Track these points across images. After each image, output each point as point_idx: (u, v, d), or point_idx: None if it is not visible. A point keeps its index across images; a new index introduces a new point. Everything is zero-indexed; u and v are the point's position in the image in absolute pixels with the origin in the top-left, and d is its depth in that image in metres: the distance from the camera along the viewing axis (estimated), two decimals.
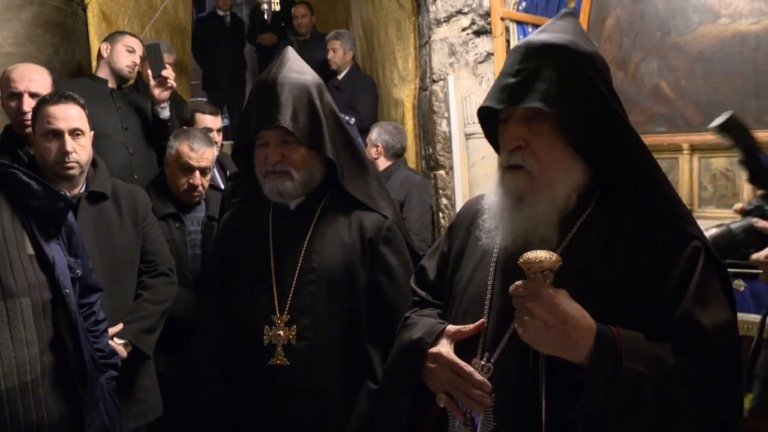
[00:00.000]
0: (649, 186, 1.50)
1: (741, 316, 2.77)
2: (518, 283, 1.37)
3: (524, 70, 1.49)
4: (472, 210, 1.76)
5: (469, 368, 1.53)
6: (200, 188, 3.21)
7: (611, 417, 1.30)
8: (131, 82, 4.30)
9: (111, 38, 3.99)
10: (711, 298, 1.40)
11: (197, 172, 3.17)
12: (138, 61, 3.97)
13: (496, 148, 1.68)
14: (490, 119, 1.65)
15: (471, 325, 1.57)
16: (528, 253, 1.35)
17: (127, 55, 3.92)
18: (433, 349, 1.61)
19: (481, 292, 1.60)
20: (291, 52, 2.21)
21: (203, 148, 3.19)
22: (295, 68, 2.15)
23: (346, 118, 4.86)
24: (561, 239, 1.50)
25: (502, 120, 1.57)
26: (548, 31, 1.55)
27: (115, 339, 2.59)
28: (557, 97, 1.44)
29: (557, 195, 1.49)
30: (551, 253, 1.34)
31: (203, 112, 4.01)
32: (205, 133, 3.43)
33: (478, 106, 1.66)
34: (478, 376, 1.51)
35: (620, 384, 1.29)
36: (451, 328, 1.62)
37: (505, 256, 1.57)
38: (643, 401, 1.30)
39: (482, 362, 1.53)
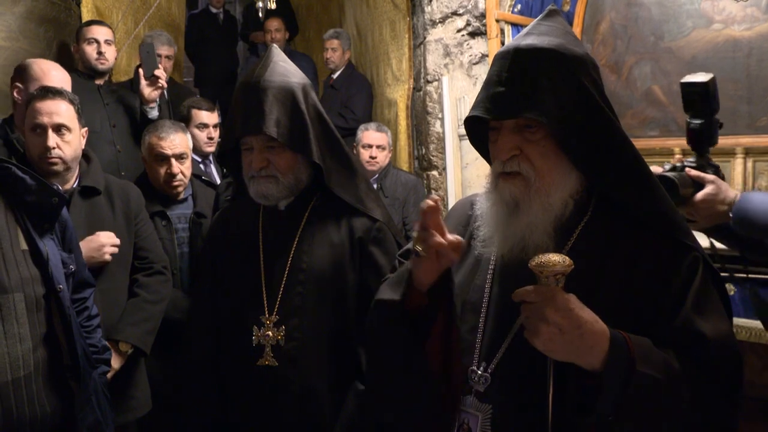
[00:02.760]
0: (643, 197, 1.48)
1: (734, 320, 2.80)
2: (529, 288, 1.31)
3: (514, 77, 1.44)
4: (463, 211, 1.72)
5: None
6: (180, 176, 3.15)
7: (624, 422, 1.29)
8: (117, 76, 4.28)
9: (77, 36, 3.98)
10: (710, 307, 1.40)
11: (173, 160, 3.12)
12: (104, 49, 3.90)
13: (482, 153, 1.65)
14: (476, 126, 1.61)
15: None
16: (539, 256, 1.31)
17: (92, 48, 3.89)
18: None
19: (478, 300, 1.57)
20: (276, 51, 2.17)
21: (172, 135, 3.14)
22: (280, 70, 2.11)
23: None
24: (560, 247, 1.47)
25: (492, 128, 1.52)
26: (535, 34, 1.49)
27: (120, 343, 2.62)
28: (550, 106, 1.40)
29: (553, 202, 1.46)
30: (563, 256, 1.30)
31: (199, 108, 3.99)
32: (174, 121, 3.40)
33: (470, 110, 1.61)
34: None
35: (634, 388, 1.27)
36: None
37: (503, 264, 1.54)
38: (655, 405, 1.29)
39: (479, 372, 1.50)
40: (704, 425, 1.36)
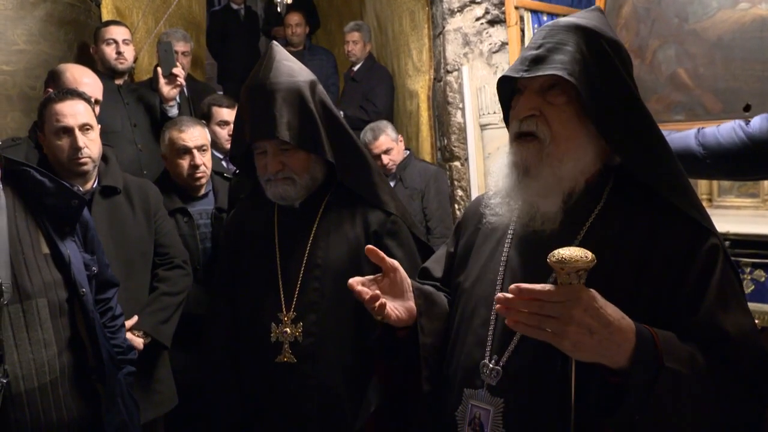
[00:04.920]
0: (665, 171, 1.45)
1: (763, 306, 2.74)
2: (550, 287, 1.23)
3: (547, 43, 1.46)
4: (476, 209, 1.72)
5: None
6: (203, 167, 3.17)
7: (650, 419, 1.24)
8: (139, 75, 4.29)
9: (95, 36, 4.00)
10: (732, 301, 1.36)
11: (195, 151, 3.13)
12: (123, 49, 3.92)
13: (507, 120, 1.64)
14: (507, 95, 1.60)
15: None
16: (560, 250, 1.23)
17: (111, 49, 3.91)
18: None
19: (490, 293, 1.55)
20: (277, 50, 2.16)
21: (191, 128, 3.17)
22: (285, 69, 2.10)
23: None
24: (572, 233, 1.44)
25: (517, 91, 1.53)
26: (577, 16, 1.53)
27: (134, 331, 2.62)
28: (577, 69, 1.41)
29: (564, 173, 1.44)
30: (585, 251, 1.23)
31: (220, 105, 3.97)
32: (191, 117, 3.43)
33: (492, 96, 1.63)
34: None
35: (662, 384, 1.22)
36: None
37: (516, 257, 1.53)
38: (682, 402, 1.25)
39: (491, 366, 1.49)
40: (728, 423, 1.31)
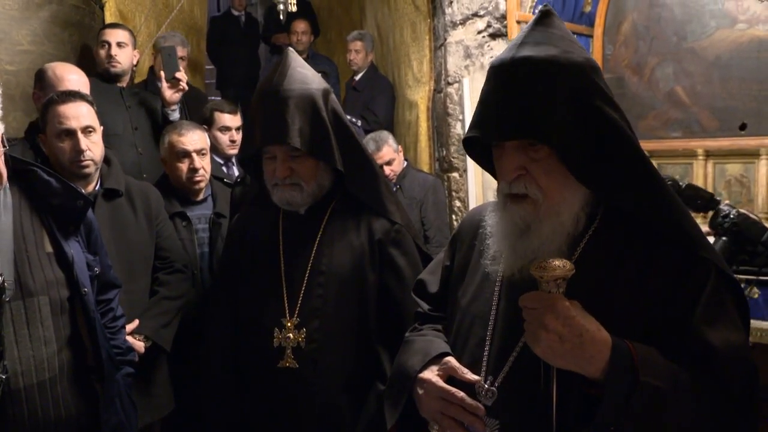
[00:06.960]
0: (654, 207, 1.42)
1: (756, 323, 2.77)
2: (530, 294, 1.30)
3: (511, 94, 1.39)
4: (475, 223, 1.70)
5: (459, 393, 1.48)
6: (202, 170, 3.18)
7: None
8: (140, 79, 4.27)
9: (97, 39, 3.99)
10: (721, 317, 1.36)
11: (194, 155, 3.15)
12: (115, 52, 3.88)
13: (486, 167, 1.62)
14: (476, 140, 1.54)
15: (470, 375, 1.51)
16: (540, 260, 1.29)
17: (104, 51, 3.89)
18: (422, 375, 1.58)
19: (485, 312, 1.54)
20: (292, 57, 2.16)
21: (191, 132, 3.19)
22: (298, 76, 2.11)
23: (352, 120, 4.88)
24: (568, 257, 1.42)
25: (495, 144, 1.48)
26: (530, 43, 1.41)
27: (135, 335, 2.62)
28: (550, 124, 1.35)
29: (564, 220, 1.42)
30: (564, 260, 1.28)
31: (222, 111, 3.98)
32: (191, 121, 3.46)
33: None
34: (469, 399, 1.47)
35: (637, 398, 1.24)
36: (450, 361, 1.56)
37: (512, 277, 1.50)
38: (659, 417, 1.26)
39: (486, 386, 1.48)
40: None
